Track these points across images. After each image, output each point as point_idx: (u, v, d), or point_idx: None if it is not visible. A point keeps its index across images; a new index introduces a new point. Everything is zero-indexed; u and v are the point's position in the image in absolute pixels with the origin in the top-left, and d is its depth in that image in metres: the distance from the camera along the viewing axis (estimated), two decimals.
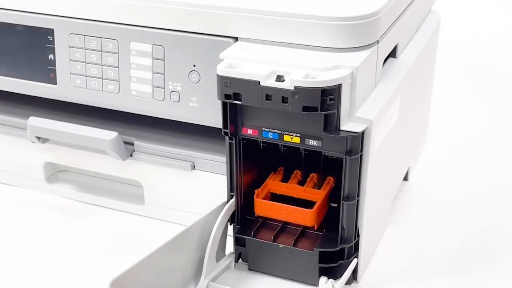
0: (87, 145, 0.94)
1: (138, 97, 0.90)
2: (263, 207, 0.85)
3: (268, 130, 0.79)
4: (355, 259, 0.83)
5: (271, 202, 0.85)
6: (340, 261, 0.83)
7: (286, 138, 0.79)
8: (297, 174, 0.89)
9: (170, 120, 0.91)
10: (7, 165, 1.05)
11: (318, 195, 0.85)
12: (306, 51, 0.79)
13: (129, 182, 1.00)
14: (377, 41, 0.81)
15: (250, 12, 0.81)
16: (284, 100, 0.74)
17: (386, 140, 0.84)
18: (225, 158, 0.84)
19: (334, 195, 0.87)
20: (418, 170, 1.10)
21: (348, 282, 0.85)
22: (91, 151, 0.97)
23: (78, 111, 0.99)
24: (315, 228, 0.85)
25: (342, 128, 0.76)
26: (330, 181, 0.87)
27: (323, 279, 0.82)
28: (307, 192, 0.86)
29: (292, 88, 0.73)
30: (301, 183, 0.88)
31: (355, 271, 0.84)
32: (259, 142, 0.84)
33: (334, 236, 0.82)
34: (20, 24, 0.93)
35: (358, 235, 0.82)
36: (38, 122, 0.95)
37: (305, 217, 0.83)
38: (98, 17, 0.89)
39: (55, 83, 0.94)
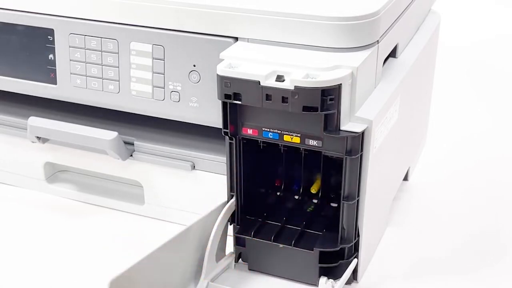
0: (87, 145, 0.94)
1: (138, 97, 0.90)
2: None
3: (268, 130, 0.79)
4: (355, 259, 0.83)
5: None
6: (340, 261, 0.83)
7: (286, 138, 0.79)
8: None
9: (170, 120, 0.91)
10: (7, 165, 1.05)
11: None
12: (306, 51, 0.79)
13: (129, 182, 1.00)
14: (377, 41, 0.81)
15: (250, 12, 0.81)
16: (284, 100, 0.74)
17: (386, 140, 0.84)
18: (225, 158, 0.84)
19: (334, 195, 0.88)
20: (418, 170, 1.10)
21: (348, 282, 0.85)
22: (91, 151, 0.97)
23: (78, 111, 0.99)
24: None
25: (342, 128, 0.76)
26: None
27: (323, 279, 0.82)
28: None
29: (292, 88, 0.73)
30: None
31: (355, 271, 0.84)
32: (259, 142, 0.84)
33: (334, 236, 0.82)
34: (20, 24, 0.93)
35: (358, 235, 0.82)
36: (38, 122, 0.95)
37: None
38: (98, 17, 0.89)
39: (55, 83, 0.94)
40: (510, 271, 0.89)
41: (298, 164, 0.90)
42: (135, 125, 0.97)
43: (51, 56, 0.93)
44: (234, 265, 0.87)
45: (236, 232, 0.86)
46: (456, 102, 1.36)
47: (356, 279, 0.86)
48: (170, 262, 0.79)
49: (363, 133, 0.76)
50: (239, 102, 0.77)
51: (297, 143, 0.79)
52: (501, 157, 1.16)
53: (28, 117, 0.96)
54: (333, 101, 0.74)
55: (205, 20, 0.83)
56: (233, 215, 0.86)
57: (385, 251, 0.92)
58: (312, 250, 0.81)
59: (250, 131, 0.80)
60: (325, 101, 0.74)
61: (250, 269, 0.87)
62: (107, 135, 0.92)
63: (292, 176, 0.91)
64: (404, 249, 0.93)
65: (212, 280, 0.83)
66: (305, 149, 0.85)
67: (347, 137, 0.76)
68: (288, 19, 0.80)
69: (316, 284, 0.83)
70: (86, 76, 0.92)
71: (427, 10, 1.06)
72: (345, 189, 0.79)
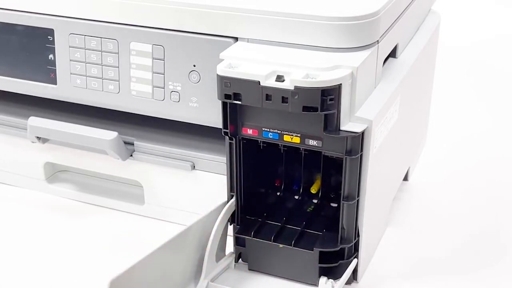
0: (87, 145, 0.94)
1: (138, 97, 0.90)
2: None
3: (268, 130, 0.79)
4: (355, 259, 0.83)
5: None
6: (340, 261, 0.83)
7: (286, 138, 0.79)
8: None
9: (170, 120, 0.91)
10: (7, 165, 1.05)
11: None
12: (306, 51, 0.79)
13: (129, 182, 1.00)
14: (377, 41, 0.81)
15: (250, 12, 0.81)
16: (284, 100, 0.74)
17: (386, 140, 0.84)
18: (225, 158, 0.84)
19: (334, 195, 0.88)
20: (418, 170, 1.10)
21: (348, 282, 0.85)
22: (91, 151, 0.97)
23: (78, 111, 0.99)
24: None
25: (342, 128, 0.76)
26: None
27: (323, 279, 0.82)
28: None
29: (292, 88, 0.73)
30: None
31: (355, 271, 0.84)
32: (259, 142, 0.84)
33: (334, 236, 0.82)
34: (20, 24, 0.93)
35: (358, 235, 0.82)
36: (38, 122, 0.95)
37: None
38: (98, 17, 0.89)
39: (55, 83, 0.94)
40: (510, 271, 0.89)
41: (298, 164, 0.90)
42: (135, 125, 0.97)
43: (51, 56, 0.93)
44: (234, 265, 0.87)
45: (236, 232, 0.86)
46: (456, 102, 1.36)
47: (356, 279, 0.86)
48: (170, 262, 0.79)
49: (363, 133, 0.76)
50: (239, 102, 0.77)
51: (297, 143, 0.79)
52: (501, 157, 1.16)
53: (28, 117, 0.96)
54: (333, 101, 0.74)
55: (205, 20, 0.83)
56: (233, 215, 0.86)
57: (385, 251, 0.92)
58: (312, 250, 0.81)
59: (250, 131, 0.80)
60: (325, 101, 0.74)
61: (250, 269, 0.87)
62: (107, 135, 0.92)
63: (292, 176, 0.91)
64: (404, 249, 0.93)
65: (212, 280, 0.83)
66: (305, 149, 0.85)
67: (347, 137, 0.76)
68: (288, 19, 0.80)
69: (316, 284, 0.83)
70: (86, 76, 0.92)
71: (427, 10, 1.06)
72: (345, 189, 0.79)
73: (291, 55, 0.79)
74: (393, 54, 0.90)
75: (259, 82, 0.75)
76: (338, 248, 0.82)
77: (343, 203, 0.80)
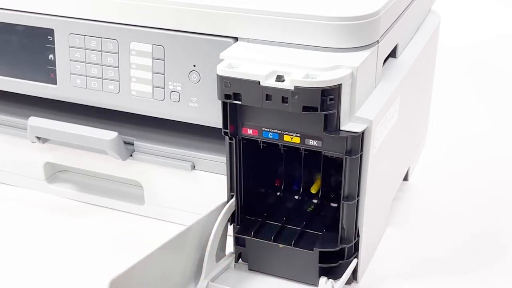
0: (87, 145, 0.94)
1: (138, 97, 0.90)
2: None
3: (268, 130, 0.79)
4: (355, 259, 0.83)
5: None
6: (340, 261, 0.83)
7: (286, 138, 0.79)
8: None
9: (170, 120, 0.91)
10: (7, 165, 1.05)
11: None
12: (306, 51, 0.79)
13: (129, 182, 1.00)
14: (377, 41, 0.81)
15: (250, 12, 0.81)
16: (284, 100, 0.74)
17: (386, 140, 0.84)
18: (225, 158, 0.84)
19: (334, 195, 0.88)
20: (418, 170, 1.10)
21: (348, 282, 0.85)
22: (91, 151, 0.97)
23: (78, 111, 0.99)
24: None
25: (342, 128, 0.76)
26: None
27: (323, 279, 0.82)
28: None
29: (292, 88, 0.73)
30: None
31: (355, 271, 0.84)
32: (259, 142, 0.84)
33: (334, 236, 0.82)
34: (20, 24, 0.93)
35: (358, 235, 0.82)
36: (38, 122, 0.95)
37: None
38: (98, 17, 0.89)
39: (55, 83, 0.94)
40: (510, 271, 0.89)
41: (298, 164, 0.90)
42: (135, 125, 0.97)
43: (51, 56, 0.93)
44: (234, 265, 0.87)
45: (236, 232, 0.86)
46: (456, 102, 1.36)
47: (356, 279, 0.86)
48: (170, 262, 0.79)
49: (363, 133, 0.76)
50: (239, 102, 0.77)
51: (297, 143, 0.79)
52: (501, 157, 1.16)
53: (28, 117, 0.96)
54: (333, 101, 0.74)
55: (205, 20, 0.83)
56: (233, 215, 0.86)
57: (385, 251, 0.92)
58: (312, 250, 0.81)
59: (250, 131, 0.80)
60: (325, 101, 0.74)
61: (250, 269, 0.87)
62: (107, 135, 0.92)
63: (292, 176, 0.91)
64: (404, 249, 0.93)
65: (212, 280, 0.83)
66: (305, 149, 0.85)
67: (347, 137, 0.76)
68: (288, 19, 0.80)
69: (316, 284, 0.83)
70: (86, 76, 0.92)
71: (427, 10, 1.06)
72: (345, 189, 0.79)
73: (291, 55, 0.79)
74: (393, 54, 0.90)
75: (259, 82, 0.75)
76: (338, 248, 0.82)
77: (343, 203, 0.80)
